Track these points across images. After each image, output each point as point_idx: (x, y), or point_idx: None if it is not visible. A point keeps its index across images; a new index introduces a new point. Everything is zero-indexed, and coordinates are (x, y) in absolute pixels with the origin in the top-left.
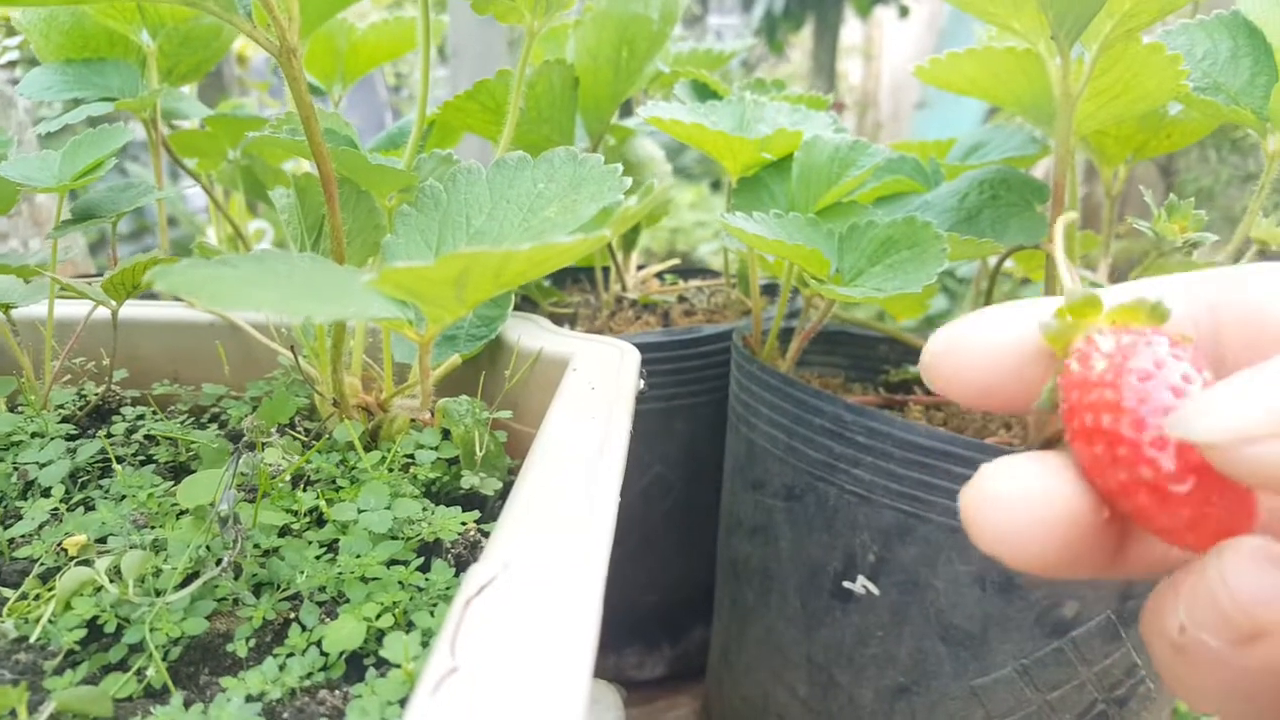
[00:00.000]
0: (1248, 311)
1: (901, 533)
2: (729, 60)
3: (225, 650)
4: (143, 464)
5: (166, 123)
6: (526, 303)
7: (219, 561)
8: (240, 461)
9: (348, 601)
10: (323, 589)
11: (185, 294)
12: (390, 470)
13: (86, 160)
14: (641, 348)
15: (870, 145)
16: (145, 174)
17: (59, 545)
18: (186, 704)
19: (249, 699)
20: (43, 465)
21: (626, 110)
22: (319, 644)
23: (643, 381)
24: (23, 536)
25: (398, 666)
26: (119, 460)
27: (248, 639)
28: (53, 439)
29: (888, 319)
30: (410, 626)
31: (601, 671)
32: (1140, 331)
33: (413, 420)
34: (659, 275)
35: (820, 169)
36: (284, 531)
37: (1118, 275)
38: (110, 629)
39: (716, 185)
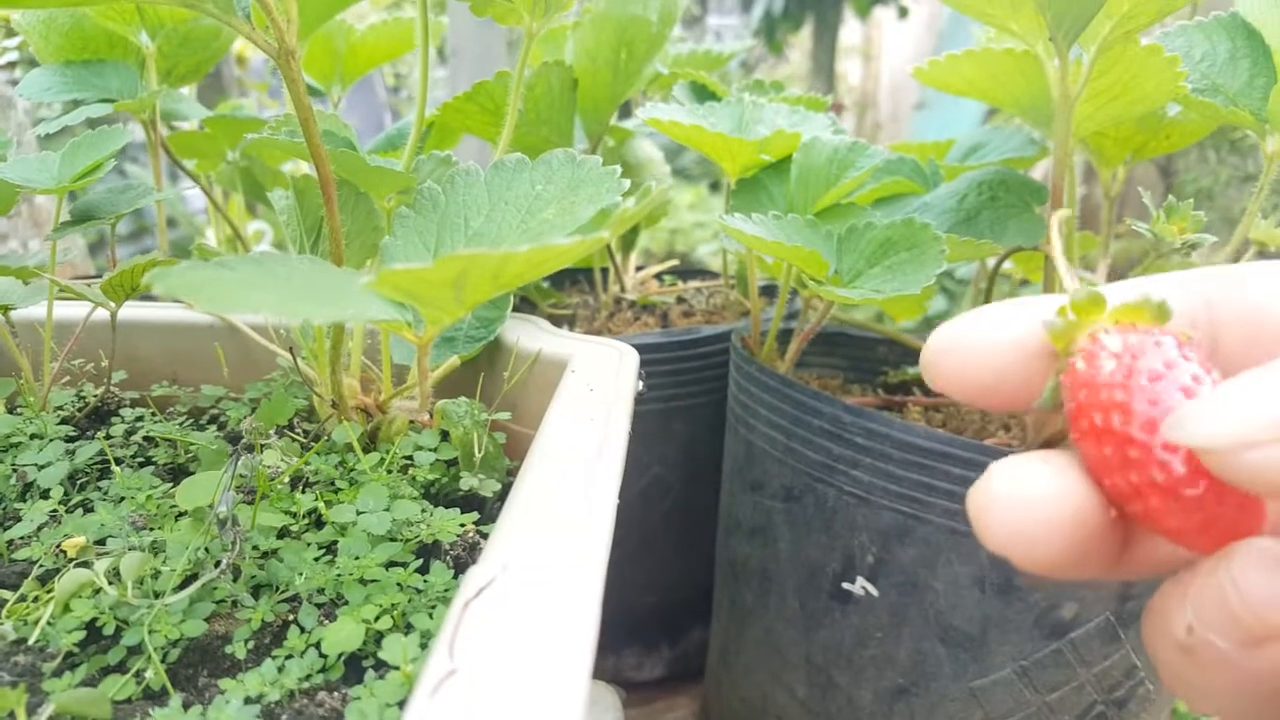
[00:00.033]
0: (1246, 310)
1: (900, 534)
2: (728, 61)
3: (224, 652)
4: (141, 465)
5: (166, 124)
6: (525, 304)
7: (218, 563)
8: (239, 463)
9: (346, 603)
10: (321, 591)
11: (184, 296)
12: (389, 472)
13: (86, 162)
14: (640, 349)
15: (869, 146)
16: (144, 175)
17: (58, 547)
18: (185, 706)
19: (248, 701)
20: (41, 467)
21: (625, 112)
22: (318, 646)
23: (641, 383)
24: (21, 538)
25: (396, 668)
26: (118, 462)
27: (246, 641)
28: (51, 440)
29: (887, 320)
30: (409, 628)
31: (600, 672)
32: (1147, 331)
33: (411, 422)
34: (658, 276)
35: (819, 170)
36: (283, 533)
37: (1116, 276)
38: (109, 631)
39: (715, 186)
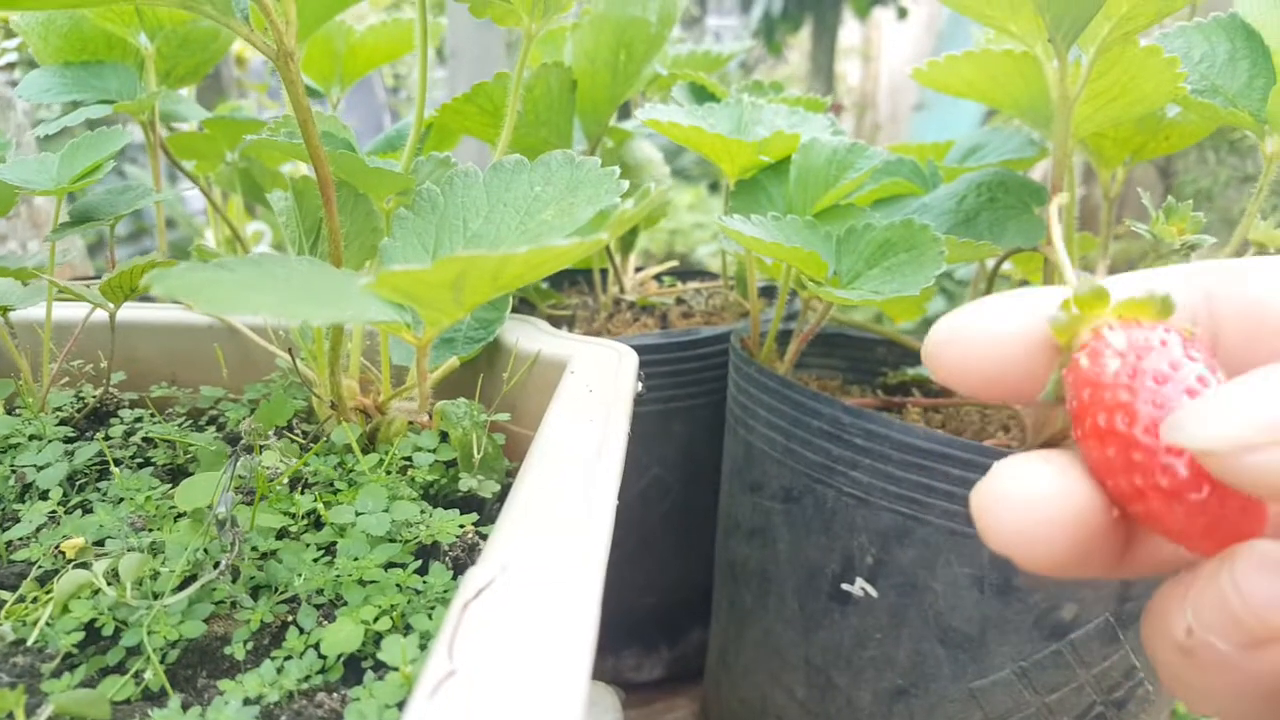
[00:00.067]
0: (1247, 305)
1: (900, 535)
2: (727, 62)
3: (223, 653)
4: (140, 466)
5: (165, 125)
6: (524, 305)
7: (217, 564)
8: (238, 464)
9: (345, 604)
10: (320, 592)
11: (183, 297)
12: (388, 473)
13: (85, 163)
14: (639, 350)
15: (868, 147)
16: (143, 176)
17: (57, 548)
18: (184, 707)
19: (247, 702)
20: (40, 468)
21: (624, 113)
22: (317, 647)
23: (641, 384)
24: (20, 539)
25: (396, 669)
26: (117, 463)
27: (245, 642)
28: (50, 441)
29: (886, 321)
30: (408, 629)
31: (599, 673)
32: (1152, 327)
33: (411, 423)
34: (657, 277)
35: (818, 171)
36: (282, 534)
37: None
38: (108, 632)
39: (715, 187)
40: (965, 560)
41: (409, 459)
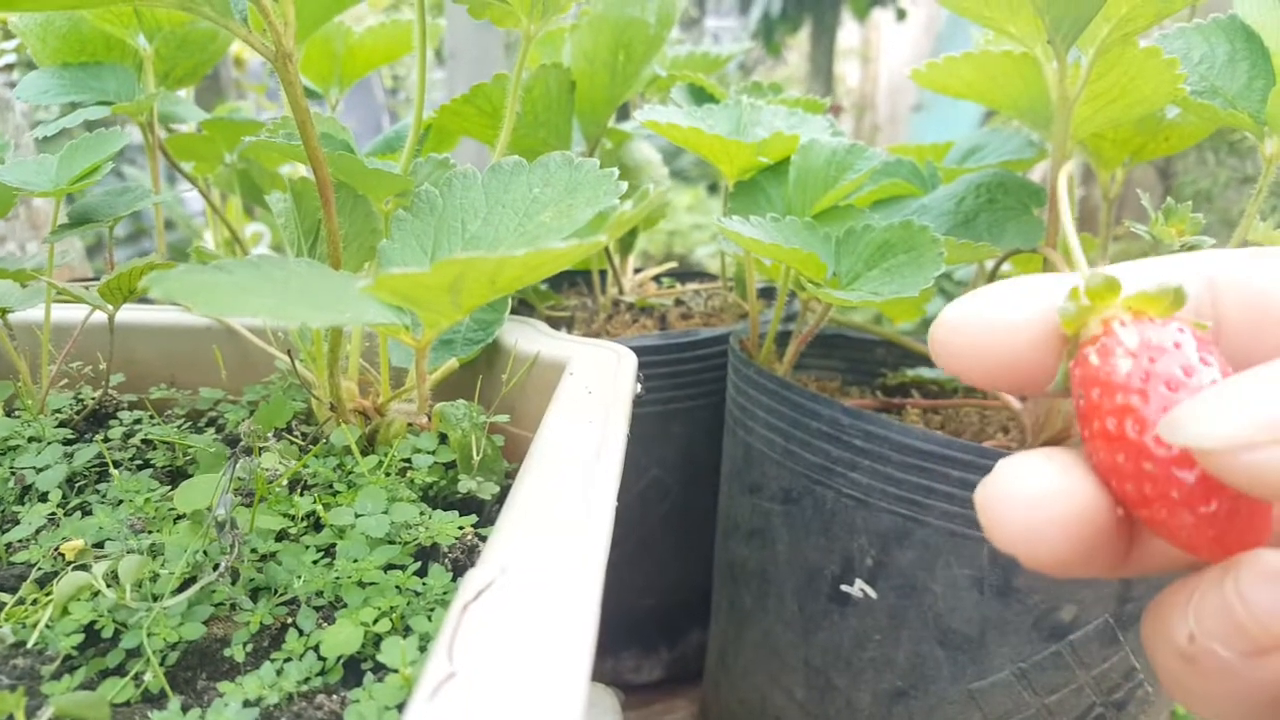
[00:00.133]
0: (1252, 295)
1: (899, 536)
2: (726, 63)
3: (222, 655)
4: (140, 468)
5: (163, 126)
6: (523, 306)
7: (216, 566)
8: (237, 466)
9: (345, 606)
10: (320, 594)
11: (181, 300)
12: (387, 474)
13: (83, 164)
14: (638, 351)
15: (867, 149)
16: (142, 178)
17: (56, 550)
18: (184, 709)
19: (246, 704)
20: (40, 470)
21: (623, 114)
22: (316, 649)
23: (640, 385)
24: (20, 541)
25: (395, 671)
26: (116, 465)
27: (245, 644)
28: (50, 443)
29: (885, 322)
30: (408, 631)
31: (599, 675)
32: (1164, 325)
33: (410, 424)
34: (656, 278)
35: (817, 172)
36: (281, 536)
37: None
38: (108, 634)
39: (714, 188)
40: (965, 561)
41: (408, 461)
